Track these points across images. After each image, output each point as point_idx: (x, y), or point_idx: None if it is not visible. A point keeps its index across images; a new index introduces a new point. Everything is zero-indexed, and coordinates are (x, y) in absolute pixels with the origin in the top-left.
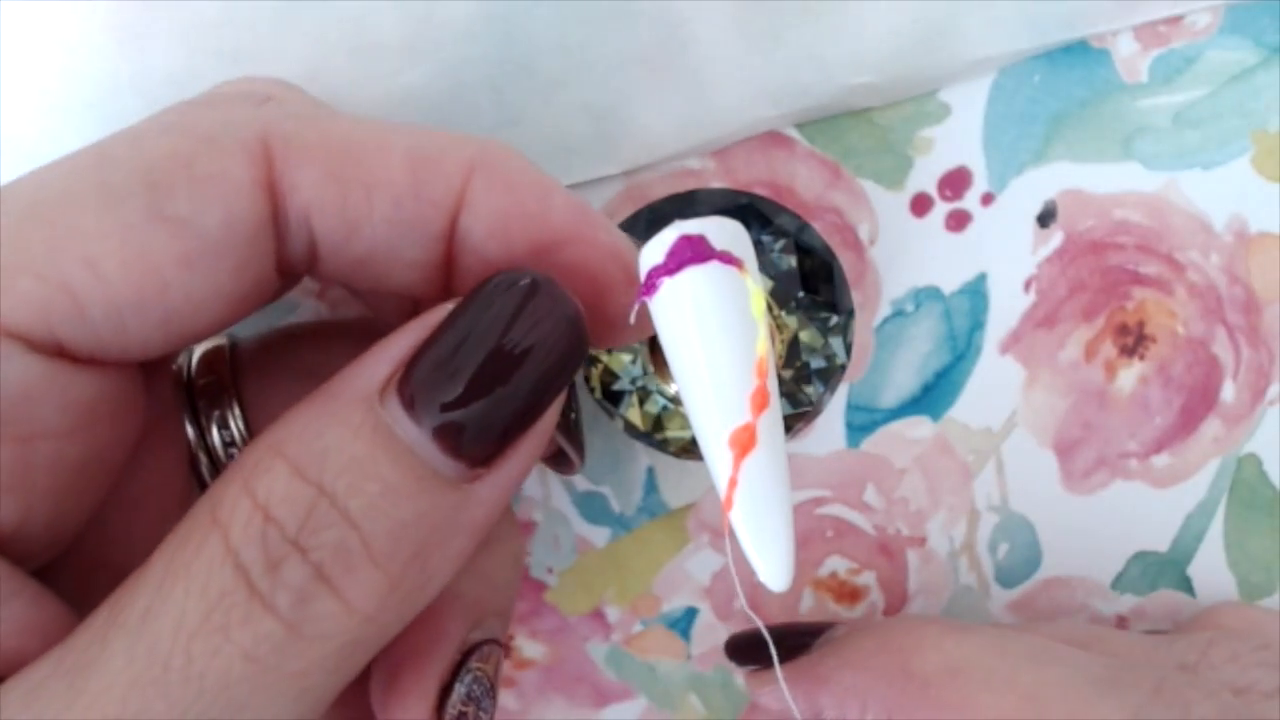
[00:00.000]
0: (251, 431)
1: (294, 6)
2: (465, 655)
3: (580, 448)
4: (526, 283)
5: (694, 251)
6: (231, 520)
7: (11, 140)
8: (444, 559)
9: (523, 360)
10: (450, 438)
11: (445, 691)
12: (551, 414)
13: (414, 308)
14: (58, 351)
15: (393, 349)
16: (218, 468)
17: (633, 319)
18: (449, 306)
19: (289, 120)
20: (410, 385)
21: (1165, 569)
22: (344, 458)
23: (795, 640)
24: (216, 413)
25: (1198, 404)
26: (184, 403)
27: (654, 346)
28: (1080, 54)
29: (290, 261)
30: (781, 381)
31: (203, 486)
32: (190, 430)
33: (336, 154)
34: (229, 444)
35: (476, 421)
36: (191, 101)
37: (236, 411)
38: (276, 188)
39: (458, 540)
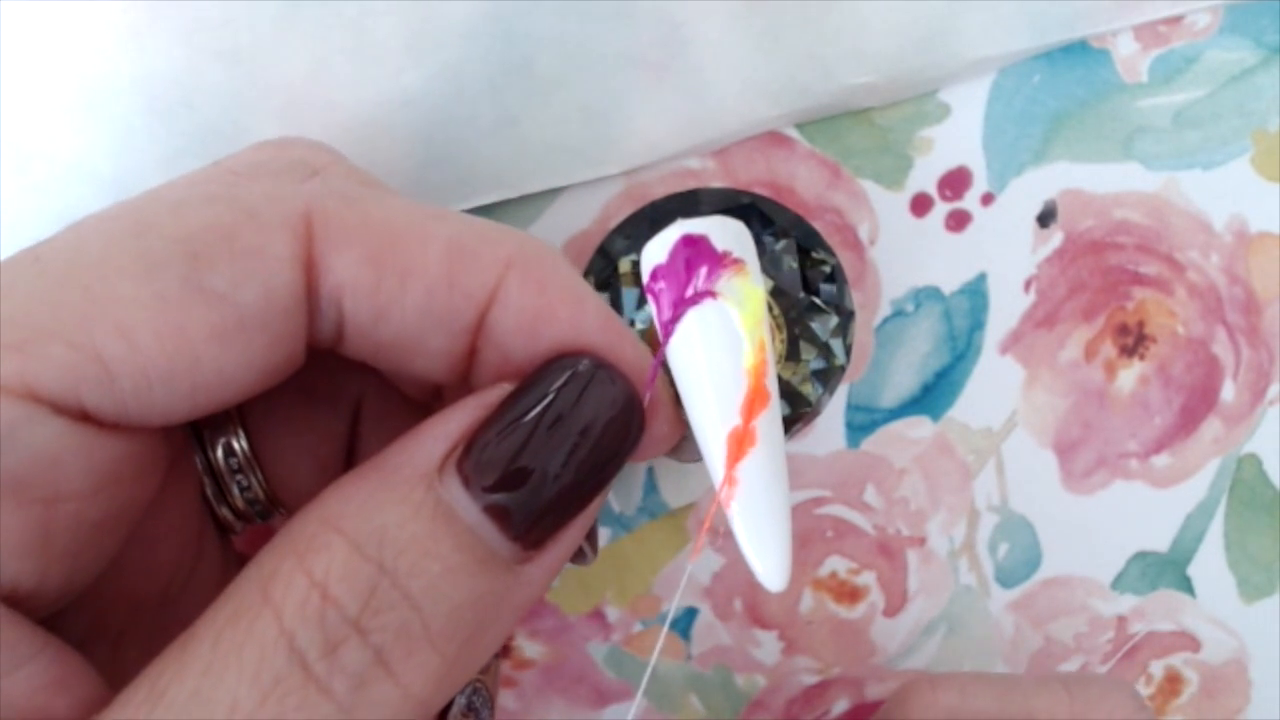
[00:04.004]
0: (256, 453)
1: (295, 7)
2: None
3: (595, 539)
4: (586, 368)
5: (695, 252)
6: (285, 599)
7: (12, 140)
8: (493, 640)
9: (582, 443)
10: (508, 518)
11: (445, 704)
12: (602, 496)
13: (433, 389)
14: (82, 416)
15: (450, 425)
16: (224, 492)
17: (647, 397)
18: (506, 386)
19: (332, 199)
20: (470, 464)
21: (1165, 569)
22: (405, 535)
23: None
24: (222, 440)
25: (1198, 404)
26: (189, 432)
27: (654, 346)
28: (1080, 54)
29: (317, 339)
30: (781, 382)
31: (213, 513)
32: (198, 459)
33: (376, 238)
34: (235, 471)
35: (535, 502)
36: (236, 169)
37: (240, 435)
38: (313, 266)
39: (505, 621)
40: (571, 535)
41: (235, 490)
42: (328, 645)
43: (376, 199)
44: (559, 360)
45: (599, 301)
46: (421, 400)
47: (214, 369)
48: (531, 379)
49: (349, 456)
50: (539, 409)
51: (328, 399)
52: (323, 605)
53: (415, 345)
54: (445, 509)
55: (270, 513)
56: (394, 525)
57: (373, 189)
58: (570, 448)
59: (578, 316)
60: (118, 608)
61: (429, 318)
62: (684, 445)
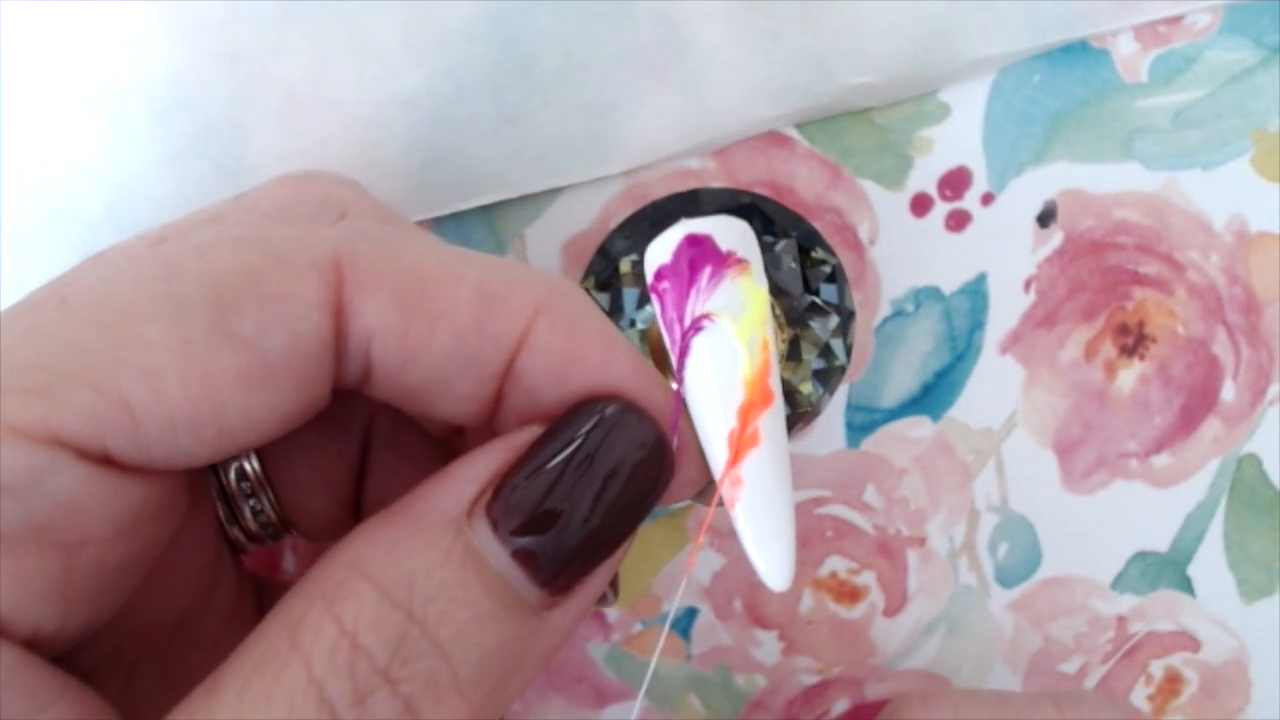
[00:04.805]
0: (267, 475)
1: (295, 7)
2: None
3: (617, 582)
4: (613, 411)
5: (699, 252)
6: (314, 647)
7: (12, 140)
8: (519, 685)
9: (610, 487)
10: (535, 564)
11: None
12: (629, 542)
13: (455, 429)
14: (105, 460)
15: (478, 468)
16: (236, 515)
17: (675, 441)
18: (535, 429)
19: (362, 243)
20: (499, 508)
21: (1165, 569)
22: (434, 582)
23: None
24: (235, 463)
25: (1198, 404)
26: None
27: (655, 346)
28: (1080, 54)
29: (343, 381)
30: (781, 382)
31: (227, 538)
32: (210, 482)
33: (405, 282)
34: (248, 495)
35: (562, 547)
36: (262, 207)
37: (252, 457)
38: (342, 310)
39: (532, 666)
40: (598, 580)
41: (247, 512)
42: (357, 695)
43: (405, 241)
44: (588, 404)
45: (628, 346)
46: (440, 435)
47: (239, 414)
48: (560, 422)
49: (360, 478)
50: (567, 452)
51: (339, 421)
52: (352, 654)
53: (442, 389)
54: (474, 555)
55: (281, 534)
56: (423, 571)
57: (400, 229)
58: (598, 491)
59: (608, 361)
60: (134, 637)
61: (457, 362)
62: (710, 489)
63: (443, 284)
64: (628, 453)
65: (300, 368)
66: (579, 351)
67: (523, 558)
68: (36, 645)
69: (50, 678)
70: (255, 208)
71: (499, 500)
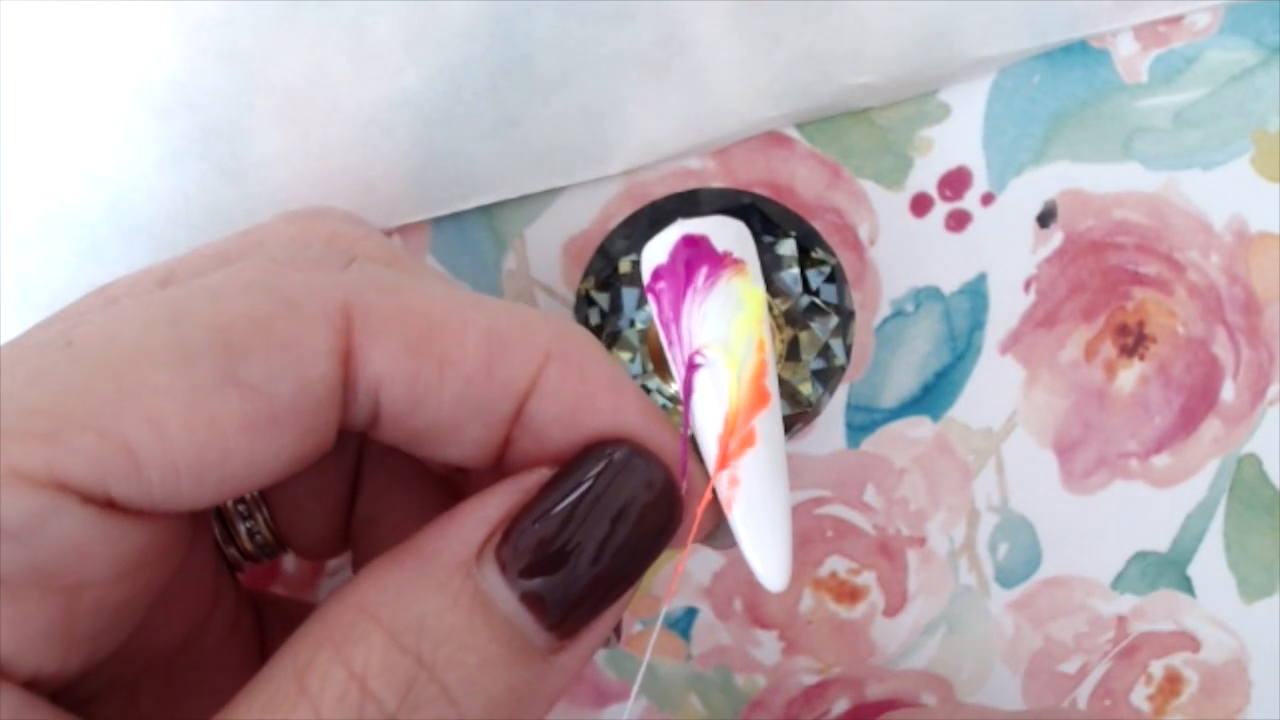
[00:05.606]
0: (263, 496)
1: (295, 7)
2: None
3: (621, 624)
4: (622, 455)
5: (696, 252)
6: (323, 691)
7: (12, 139)
8: None
9: (618, 530)
10: (544, 607)
11: None
12: (636, 585)
13: (459, 469)
14: (108, 505)
15: (487, 511)
16: (232, 535)
17: (684, 485)
18: (545, 472)
19: (370, 288)
20: (508, 552)
21: (1165, 569)
22: (443, 626)
23: None
24: None
25: (1198, 404)
26: None
27: (654, 346)
28: (1080, 54)
29: (350, 425)
30: (781, 382)
31: (227, 561)
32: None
33: (415, 328)
34: (244, 516)
35: (570, 591)
36: (269, 247)
37: None
38: (350, 357)
39: (538, 709)
40: (605, 623)
41: (243, 533)
42: None
43: (414, 286)
44: (596, 448)
45: (637, 390)
46: (444, 474)
47: (244, 459)
48: (569, 466)
49: (353, 495)
50: (576, 495)
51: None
52: (361, 699)
53: (451, 433)
54: (483, 598)
55: (277, 553)
56: (432, 615)
57: (408, 272)
58: (606, 533)
59: (617, 406)
60: (136, 662)
61: (466, 407)
62: (717, 533)
63: (452, 330)
64: (636, 495)
65: (307, 414)
66: (589, 396)
67: (531, 601)
68: (37, 685)
69: (51, 718)
70: (263, 247)
71: (508, 543)
